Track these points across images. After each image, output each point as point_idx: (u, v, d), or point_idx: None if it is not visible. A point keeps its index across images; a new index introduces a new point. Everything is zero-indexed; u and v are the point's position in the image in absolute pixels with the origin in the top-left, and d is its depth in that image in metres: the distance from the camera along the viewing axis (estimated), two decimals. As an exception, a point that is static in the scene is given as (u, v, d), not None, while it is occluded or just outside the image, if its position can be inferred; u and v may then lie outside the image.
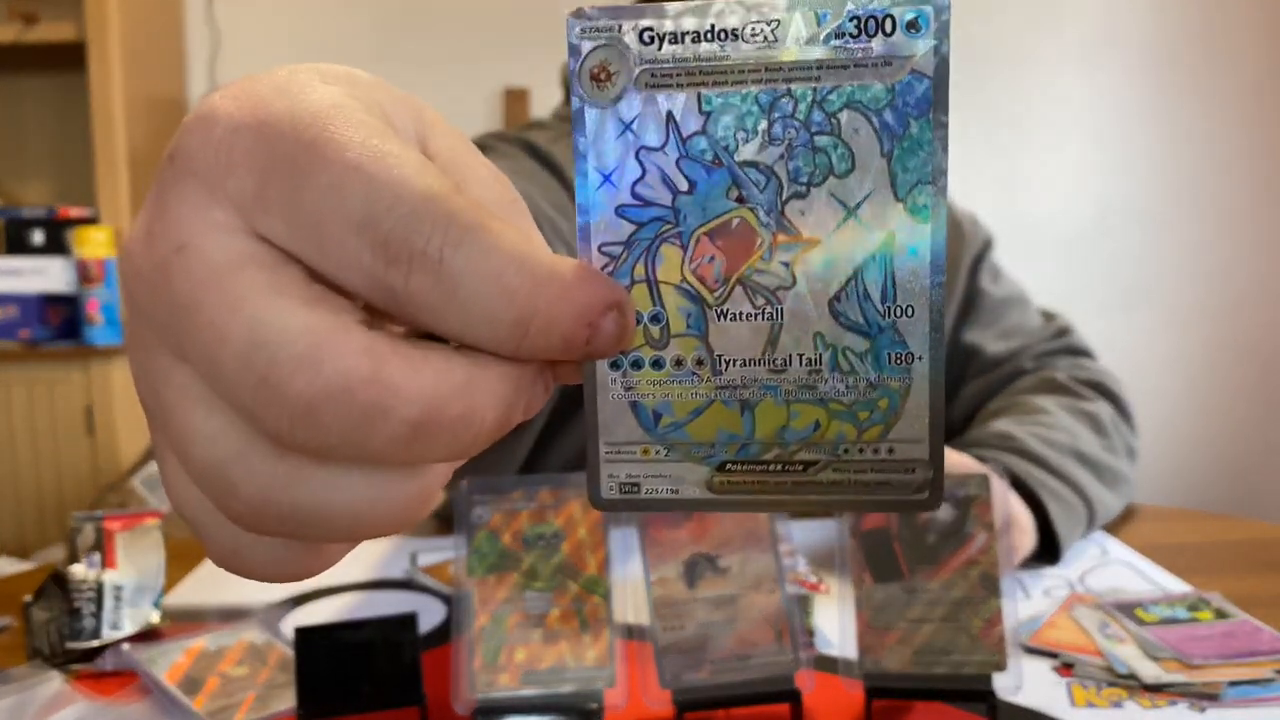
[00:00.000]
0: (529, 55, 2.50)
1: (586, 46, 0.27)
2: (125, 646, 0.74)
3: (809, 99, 0.27)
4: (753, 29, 0.27)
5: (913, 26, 0.29)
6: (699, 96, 0.27)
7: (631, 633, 0.65)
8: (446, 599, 0.85)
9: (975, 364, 1.17)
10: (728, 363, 0.27)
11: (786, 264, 0.27)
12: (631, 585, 0.63)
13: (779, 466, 0.27)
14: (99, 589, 0.77)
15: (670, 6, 0.26)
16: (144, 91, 2.51)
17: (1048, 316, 1.22)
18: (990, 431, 1.00)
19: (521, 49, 2.61)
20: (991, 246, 1.22)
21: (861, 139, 0.28)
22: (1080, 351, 1.20)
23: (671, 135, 0.27)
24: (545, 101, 2.47)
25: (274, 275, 0.23)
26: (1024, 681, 0.61)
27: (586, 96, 0.27)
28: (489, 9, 2.63)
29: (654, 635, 0.62)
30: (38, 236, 2.42)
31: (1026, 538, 0.85)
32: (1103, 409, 1.10)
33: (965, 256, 1.19)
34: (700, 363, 0.27)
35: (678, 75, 0.27)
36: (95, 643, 0.75)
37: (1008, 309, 1.20)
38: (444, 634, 0.78)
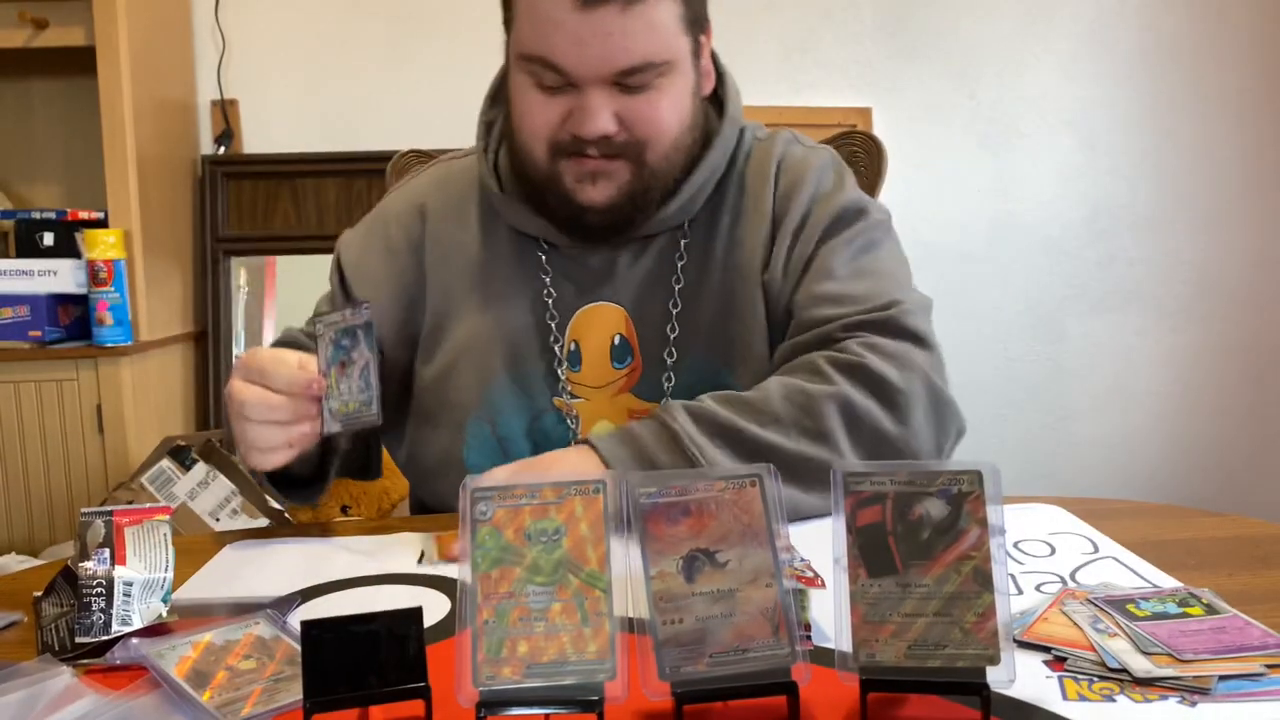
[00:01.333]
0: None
1: None
2: (134, 641, 0.75)
3: None
4: None
5: None
6: None
7: (632, 626, 0.66)
8: (451, 593, 0.86)
9: (794, 322, 1.14)
10: None
11: None
12: (632, 580, 0.64)
13: None
14: (108, 584, 0.78)
15: None
16: (153, 95, 2.52)
17: (893, 300, 1.12)
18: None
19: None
20: (862, 216, 1.19)
21: None
22: (899, 330, 1.09)
23: None
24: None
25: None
26: (1016, 675, 0.62)
27: None
28: (495, 14, 2.64)
29: (653, 629, 0.63)
30: (48, 238, 2.44)
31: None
32: (831, 390, 1.02)
33: (818, 224, 1.17)
34: None
35: None
36: (104, 637, 0.76)
37: (847, 279, 1.14)
38: (448, 627, 0.79)
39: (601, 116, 1.07)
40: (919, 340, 1.10)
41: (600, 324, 1.19)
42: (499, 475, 0.97)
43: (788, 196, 1.19)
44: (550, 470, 0.97)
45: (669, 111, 1.11)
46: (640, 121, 1.09)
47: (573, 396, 1.18)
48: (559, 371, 1.18)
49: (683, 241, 1.20)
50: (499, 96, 1.24)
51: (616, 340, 1.18)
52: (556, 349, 1.18)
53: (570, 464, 0.99)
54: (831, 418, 1.02)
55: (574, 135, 1.09)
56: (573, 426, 1.17)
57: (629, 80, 1.07)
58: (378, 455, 1.32)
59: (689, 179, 1.17)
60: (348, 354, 1.00)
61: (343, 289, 1.27)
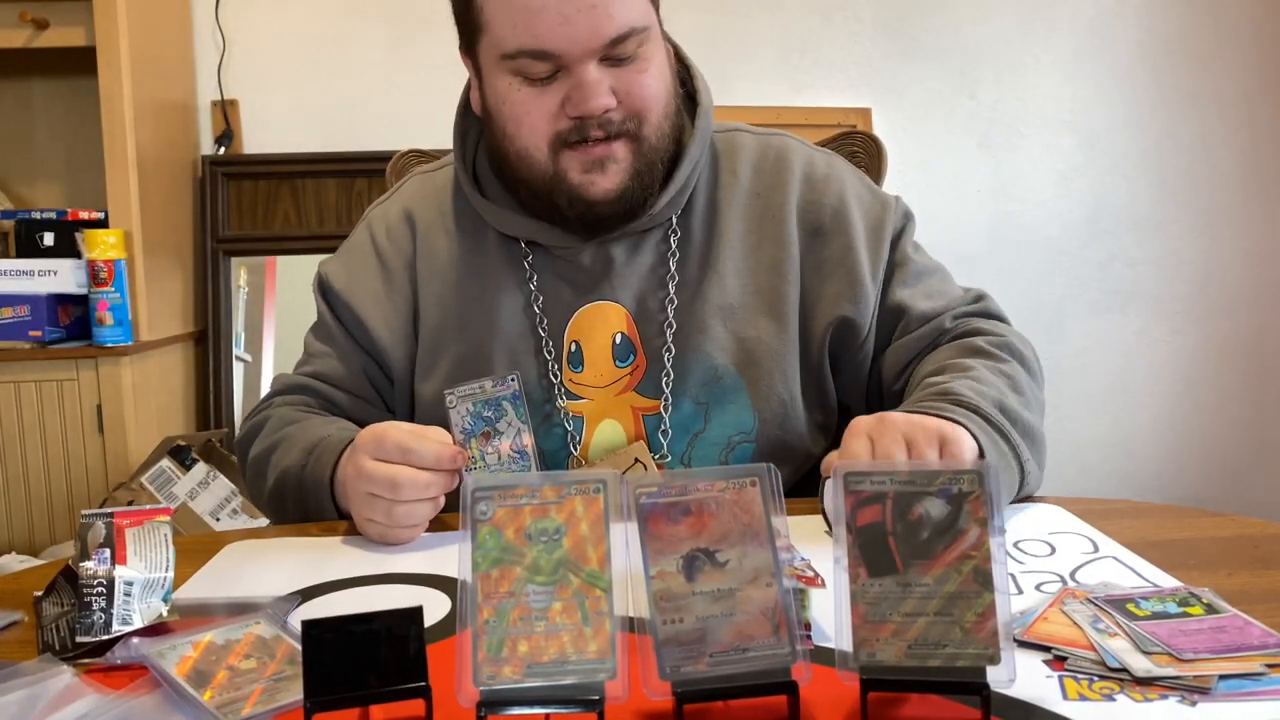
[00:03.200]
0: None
1: None
2: (135, 640, 0.75)
3: None
4: None
5: None
6: None
7: (632, 625, 0.66)
8: (452, 593, 0.86)
9: (904, 321, 1.21)
10: None
11: None
12: (632, 579, 0.64)
13: None
14: (109, 584, 0.78)
15: None
16: (153, 95, 2.52)
17: (965, 289, 1.26)
18: (933, 388, 1.07)
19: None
20: (912, 222, 1.27)
21: None
22: (995, 315, 1.23)
23: None
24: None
25: None
26: (1017, 674, 0.62)
27: None
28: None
29: (654, 628, 0.63)
30: (49, 238, 2.44)
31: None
32: (1017, 370, 1.13)
33: (888, 226, 1.22)
34: None
35: None
36: (105, 637, 0.76)
37: (930, 275, 1.24)
38: (449, 627, 0.79)
39: (600, 89, 1.08)
40: (1005, 317, 1.25)
41: (601, 323, 1.19)
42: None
43: (840, 210, 1.22)
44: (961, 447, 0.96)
45: (656, 79, 1.12)
46: (634, 91, 1.10)
47: (575, 398, 1.17)
48: (556, 374, 1.17)
49: (673, 238, 1.20)
50: (469, 111, 1.24)
51: (618, 339, 1.18)
52: (548, 351, 1.18)
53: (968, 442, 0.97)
54: (1034, 398, 1.14)
55: (575, 118, 1.09)
56: (570, 428, 1.17)
57: (617, 50, 1.07)
58: None
59: (678, 169, 1.18)
60: (492, 425, 1.01)
61: (336, 318, 1.26)
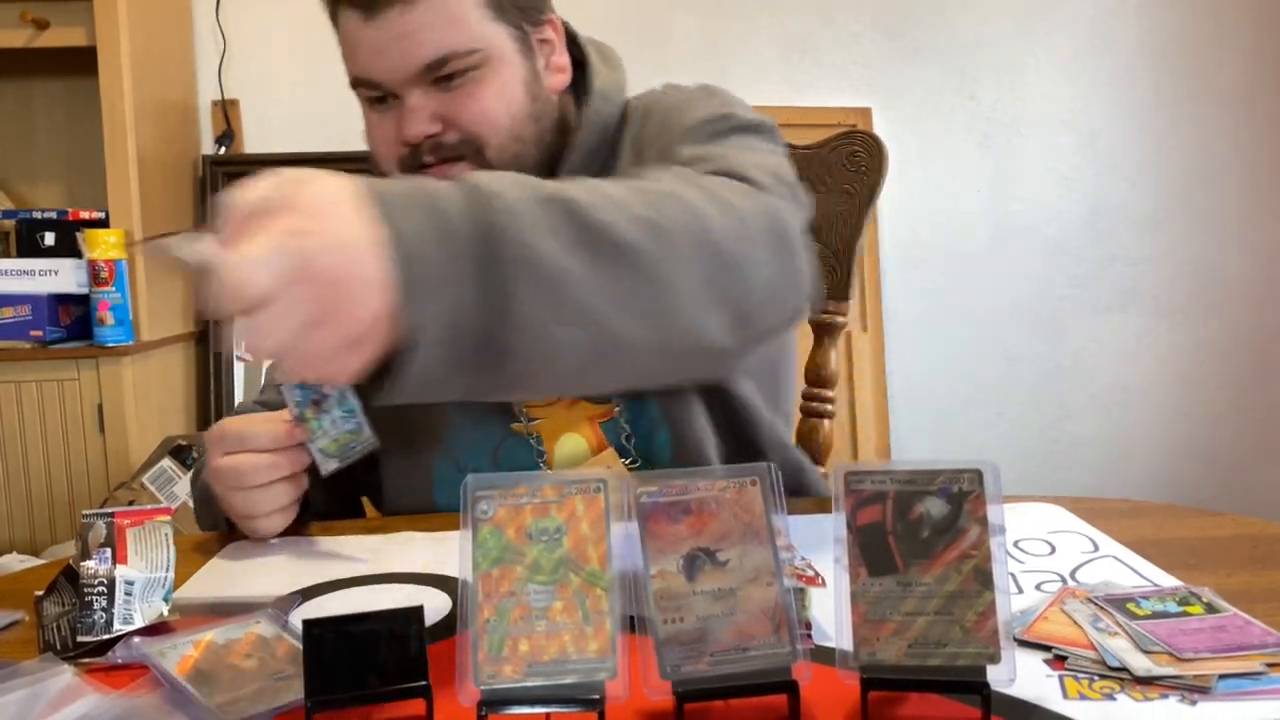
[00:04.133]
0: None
1: None
2: (135, 640, 0.75)
3: None
4: None
5: None
6: None
7: (633, 625, 0.66)
8: (453, 592, 0.86)
9: None
10: None
11: None
12: (633, 578, 0.64)
13: None
14: (110, 583, 0.78)
15: None
16: (153, 95, 2.52)
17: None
18: None
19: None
20: (726, 119, 1.10)
21: None
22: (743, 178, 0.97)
23: None
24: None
25: None
26: (1017, 674, 0.62)
27: None
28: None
29: (654, 627, 0.63)
30: (49, 238, 2.44)
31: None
32: (681, 189, 0.88)
33: (691, 121, 1.10)
34: None
35: None
36: (106, 636, 0.76)
37: (704, 160, 1.01)
38: (450, 626, 0.79)
39: (419, 117, 1.07)
40: (782, 179, 1.01)
41: None
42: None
43: (649, 132, 1.15)
44: (301, 187, 0.70)
45: (494, 101, 1.09)
46: (463, 115, 1.08)
47: (530, 419, 1.16)
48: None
49: None
50: None
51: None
52: None
53: (328, 192, 0.70)
54: (679, 216, 0.84)
55: (404, 144, 1.09)
56: (537, 447, 1.15)
57: (439, 75, 1.07)
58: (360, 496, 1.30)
59: (560, 168, 1.15)
60: (317, 391, 0.99)
61: None
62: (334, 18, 1.11)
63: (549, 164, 1.15)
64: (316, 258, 0.66)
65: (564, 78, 1.19)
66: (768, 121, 1.14)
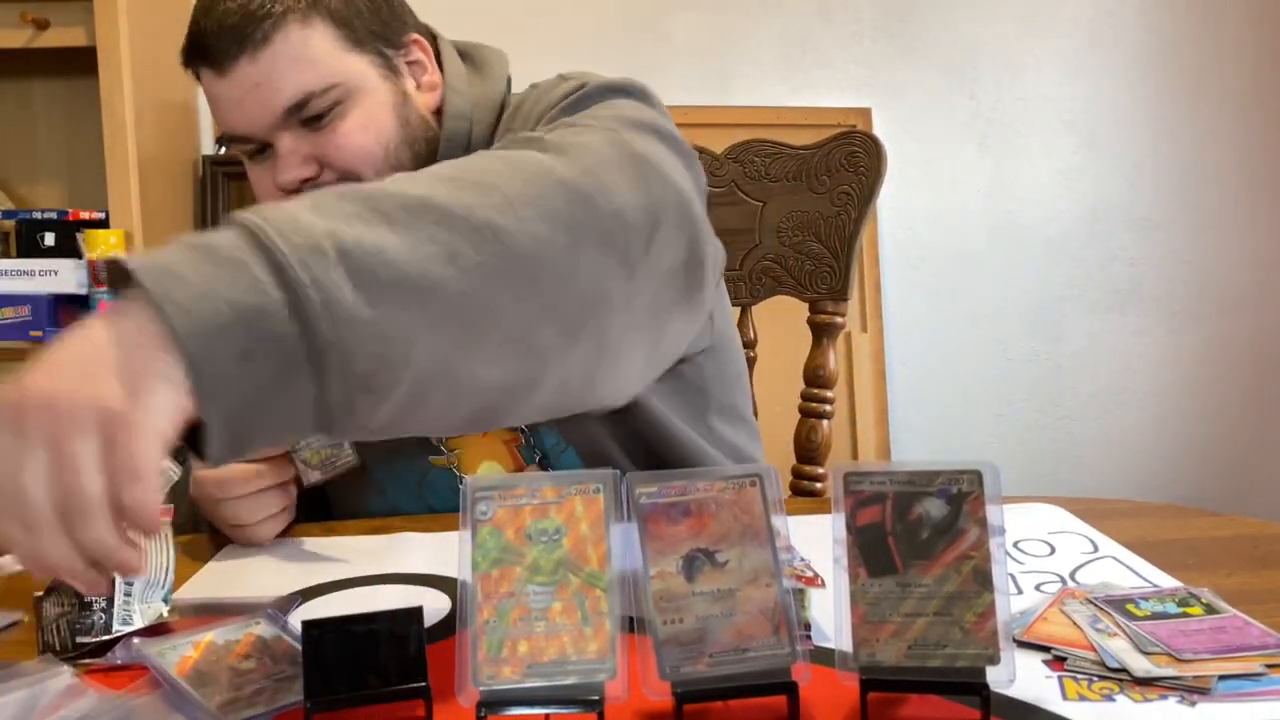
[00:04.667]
0: (533, 62, 2.51)
1: None
2: (135, 640, 0.75)
3: None
4: None
5: None
6: None
7: (632, 625, 0.66)
8: (452, 593, 0.86)
9: None
10: None
11: None
12: (632, 579, 0.64)
13: None
14: (109, 584, 0.78)
15: None
16: (154, 96, 2.52)
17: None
18: None
19: (524, 57, 2.62)
20: (582, 88, 1.03)
21: None
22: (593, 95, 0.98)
23: None
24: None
25: None
26: (1016, 675, 0.62)
27: None
28: (492, 16, 2.65)
29: (654, 628, 0.63)
30: (49, 238, 2.44)
31: None
32: (494, 152, 0.83)
33: (552, 99, 1.05)
34: None
35: None
36: (105, 637, 0.76)
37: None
38: (449, 627, 0.79)
39: (291, 162, 1.06)
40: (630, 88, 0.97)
41: None
42: None
43: (510, 131, 1.10)
44: (59, 375, 0.58)
45: (362, 134, 1.07)
46: (334, 153, 1.07)
47: (449, 450, 1.15)
48: None
49: None
50: None
51: None
52: None
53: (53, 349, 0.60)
54: (487, 164, 0.77)
55: (283, 191, 1.07)
56: (459, 474, 1.14)
57: (303, 115, 1.05)
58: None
59: None
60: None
61: None
62: (198, 79, 1.10)
63: None
64: (17, 393, 0.57)
65: (437, 95, 1.16)
66: (636, 83, 1.04)
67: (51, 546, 0.55)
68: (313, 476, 1.01)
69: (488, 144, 1.13)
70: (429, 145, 1.13)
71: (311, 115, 1.05)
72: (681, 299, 0.86)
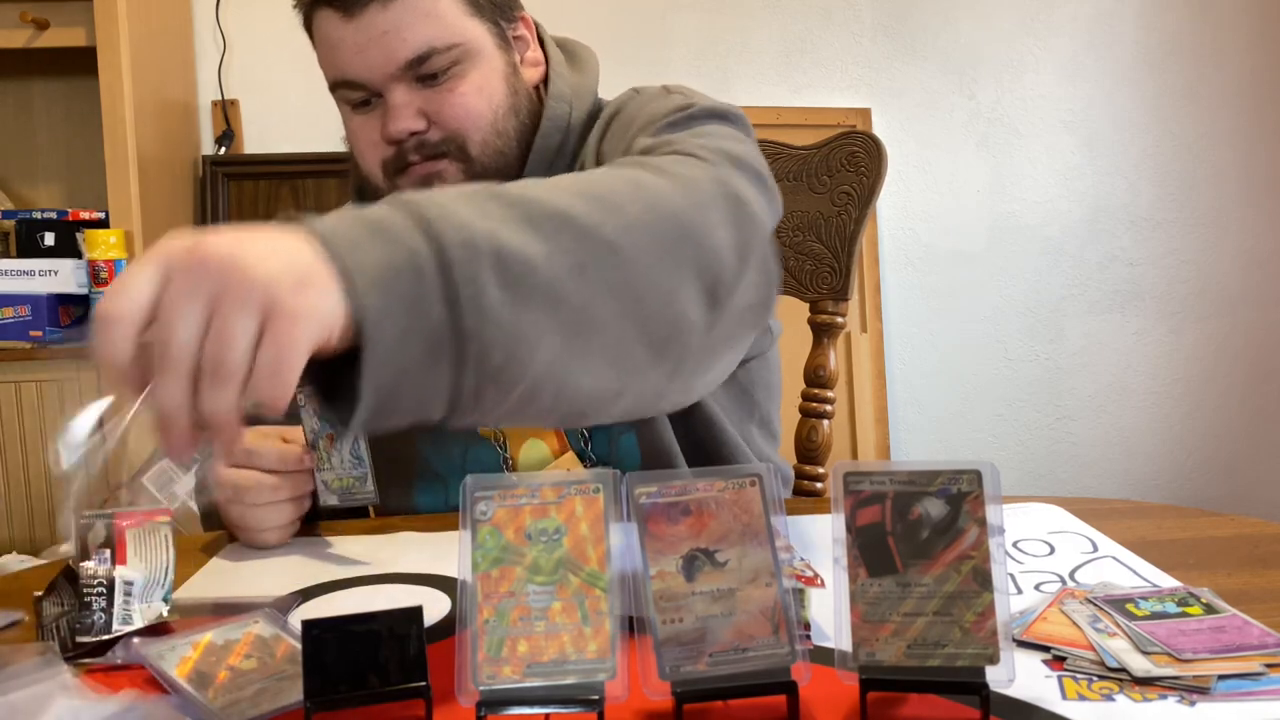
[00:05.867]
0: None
1: None
2: (135, 641, 0.75)
3: None
4: None
5: None
6: None
7: (632, 625, 0.66)
8: (452, 593, 0.86)
9: None
10: None
11: None
12: (632, 579, 0.64)
13: None
14: (109, 584, 0.78)
15: None
16: (154, 95, 2.52)
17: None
18: None
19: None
20: (688, 109, 1.03)
21: None
22: (711, 114, 1.01)
23: None
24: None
25: None
26: (1016, 674, 0.62)
27: None
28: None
29: (654, 628, 0.63)
30: (49, 238, 2.44)
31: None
32: (621, 169, 0.87)
33: (657, 113, 1.05)
34: None
35: None
36: (105, 637, 0.76)
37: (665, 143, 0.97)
38: (449, 627, 0.79)
39: (404, 113, 1.07)
40: (725, 117, 1.00)
41: None
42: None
43: (617, 124, 1.13)
44: (245, 243, 0.61)
45: (475, 96, 1.10)
46: (445, 111, 1.09)
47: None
48: None
49: None
50: None
51: None
52: None
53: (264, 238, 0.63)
54: (620, 188, 0.81)
55: (389, 142, 1.09)
56: (502, 452, 1.15)
57: (422, 70, 1.07)
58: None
59: (525, 168, 1.15)
60: (336, 428, 0.99)
61: None
62: (309, 22, 1.12)
63: (523, 163, 1.15)
64: (203, 244, 0.60)
65: (539, 71, 1.19)
66: (734, 110, 1.07)
67: (172, 392, 0.59)
68: (329, 500, 1.00)
69: (584, 131, 1.17)
70: (531, 119, 1.16)
71: (429, 72, 1.07)
72: (751, 331, 0.95)
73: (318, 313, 0.60)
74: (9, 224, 2.47)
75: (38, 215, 2.48)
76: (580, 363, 0.72)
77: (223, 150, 2.80)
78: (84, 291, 2.36)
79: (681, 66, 2.88)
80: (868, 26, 2.93)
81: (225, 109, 2.82)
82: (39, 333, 2.33)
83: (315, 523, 1.14)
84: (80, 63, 2.42)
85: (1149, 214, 3.01)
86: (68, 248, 2.43)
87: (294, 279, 0.59)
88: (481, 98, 1.10)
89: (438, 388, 0.65)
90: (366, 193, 1.22)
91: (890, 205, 2.93)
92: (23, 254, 2.42)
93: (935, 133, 2.96)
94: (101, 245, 2.31)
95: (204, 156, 2.79)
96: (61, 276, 2.37)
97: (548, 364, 0.70)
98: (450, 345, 0.65)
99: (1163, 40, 2.96)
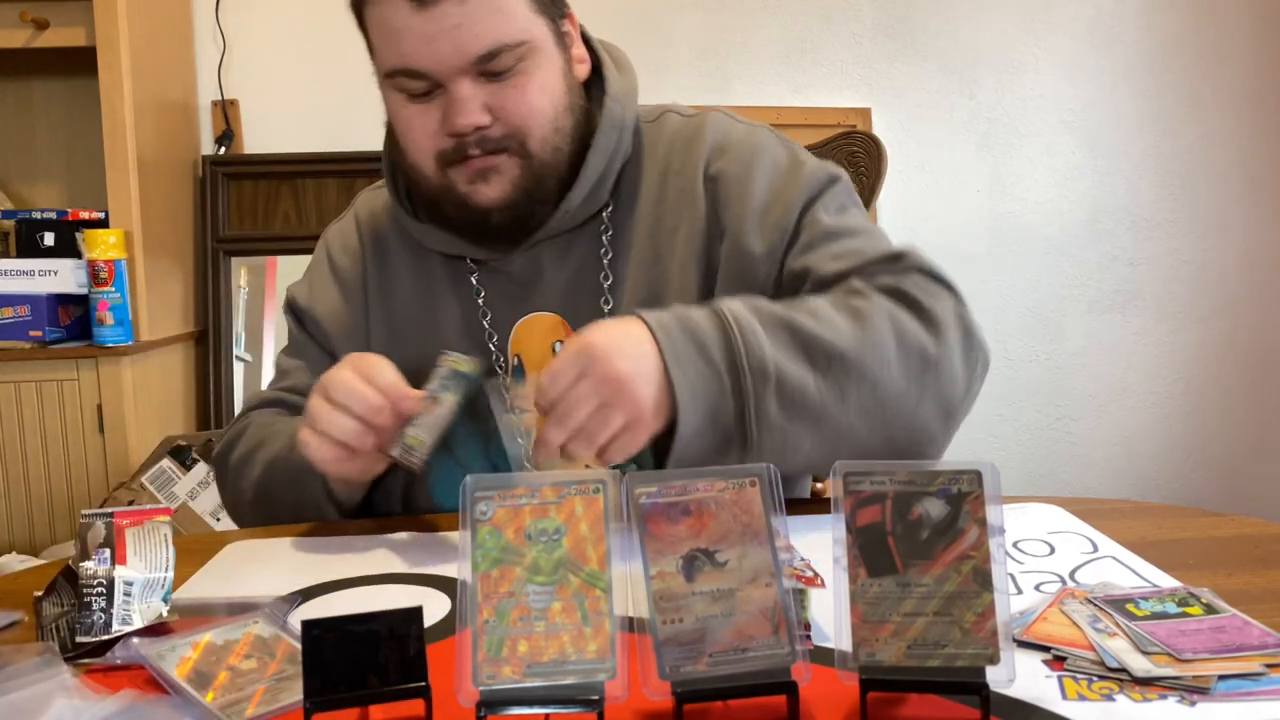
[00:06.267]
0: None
1: None
2: (134, 641, 0.75)
3: None
4: None
5: None
6: None
7: (632, 625, 0.66)
8: (452, 593, 0.86)
9: (808, 285, 1.11)
10: None
11: None
12: (632, 579, 0.64)
13: None
14: (109, 584, 0.78)
15: None
16: (153, 95, 2.52)
17: (894, 249, 1.13)
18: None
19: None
20: (837, 184, 1.18)
21: None
22: (918, 268, 1.09)
23: None
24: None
25: None
26: (1016, 674, 0.62)
27: None
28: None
29: (654, 628, 0.63)
30: (49, 238, 2.44)
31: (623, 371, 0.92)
32: (878, 305, 1.02)
33: (797, 195, 1.15)
34: None
35: None
36: (105, 637, 0.76)
37: (844, 236, 1.13)
38: (448, 627, 0.79)
39: (471, 107, 1.07)
40: (936, 274, 1.10)
41: (539, 334, 1.18)
42: (555, 367, 0.94)
43: (741, 178, 1.16)
44: (595, 337, 0.94)
45: (538, 95, 1.10)
46: (510, 108, 1.08)
47: (522, 411, 1.15)
48: (507, 388, 1.15)
49: (605, 235, 1.18)
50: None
51: (557, 348, 1.17)
52: (500, 367, 1.17)
53: (617, 330, 0.96)
54: (882, 328, 1.00)
55: (451, 135, 1.08)
56: (524, 442, 1.15)
57: (490, 66, 1.06)
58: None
59: (585, 166, 1.15)
60: (439, 395, 0.98)
61: (306, 334, 1.26)
62: (360, 9, 1.11)
63: (575, 158, 1.15)
64: (606, 357, 0.92)
65: (585, 69, 1.20)
66: (836, 168, 1.20)
67: (555, 436, 0.92)
68: (394, 450, 0.98)
69: (636, 136, 1.22)
70: (582, 115, 1.17)
71: (497, 69, 1.07)
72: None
73: (659, 423, 0.95)
74: (9, 224, 2.47)
75: (37, 215, 2.48)
76: (830, 460, 0.81)
77: (222, 150, 2.80)
78: (84, 291, 2.36)
79: (681, 66, 2.88)
80: (868, 26, 2.93)
81: (225, 109, 2.82)
82: (39, 333, 2.33)
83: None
84: (80, 63, 2.42)
85: (1149, 214, 3.01)
86: (67, 248, 2.44)
87: (653, 403, 0.93)
88: (544, 95, 1.11)
89: (715, 461, 0.94)
90: (397, 172, 1.23)
91: (890, 205, 2.93)
92: (23, 254, 2.43)
93: (935, 133, 2.96)
94: (101, 245, 2.31)
95: (204, 156, 2.79)
96: (61, 276, 2.37)
97: (806, 458, 0.99)
98: (736, 442, 0.97)
99: (1163, 40, 2.96)
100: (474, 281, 1.20)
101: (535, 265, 1.19)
